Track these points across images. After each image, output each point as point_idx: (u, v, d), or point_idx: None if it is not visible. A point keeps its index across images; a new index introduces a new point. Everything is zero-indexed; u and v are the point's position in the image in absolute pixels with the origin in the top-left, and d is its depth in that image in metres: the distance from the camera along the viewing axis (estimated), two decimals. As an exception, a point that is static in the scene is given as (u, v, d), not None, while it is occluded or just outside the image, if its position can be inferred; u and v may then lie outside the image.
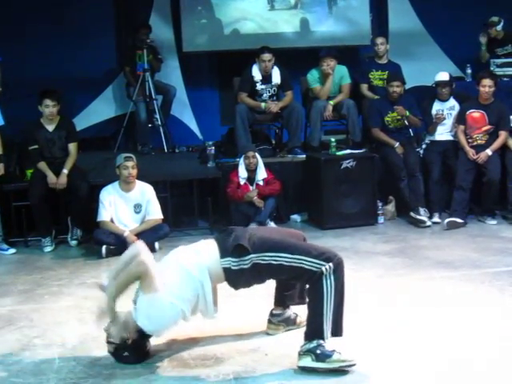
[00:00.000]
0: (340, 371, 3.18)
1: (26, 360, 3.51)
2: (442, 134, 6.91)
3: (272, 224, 6.39)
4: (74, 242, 6.22)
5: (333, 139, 6.76)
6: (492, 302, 4.18)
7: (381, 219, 6.63)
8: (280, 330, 3.73)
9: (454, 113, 6.88)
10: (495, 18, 7.89)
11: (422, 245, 5.79)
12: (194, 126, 8.94)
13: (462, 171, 6.49)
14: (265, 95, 7.34)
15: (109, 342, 3.38)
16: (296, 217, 6.91)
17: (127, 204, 5.80)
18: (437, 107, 6.92)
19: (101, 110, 8.60)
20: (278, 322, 3.74)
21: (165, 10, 8.76)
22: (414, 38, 9.01)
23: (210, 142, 7.24)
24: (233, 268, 3.26)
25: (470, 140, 6.62)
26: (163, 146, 7.84)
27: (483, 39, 7.96)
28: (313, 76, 7.45)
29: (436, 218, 6.54)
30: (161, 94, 8.23)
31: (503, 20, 7.86)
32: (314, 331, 3.23)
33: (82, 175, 6.32)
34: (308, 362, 3.21)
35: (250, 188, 6.39)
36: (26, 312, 4.33)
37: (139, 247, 3.40)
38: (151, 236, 5.66)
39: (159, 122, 7.89)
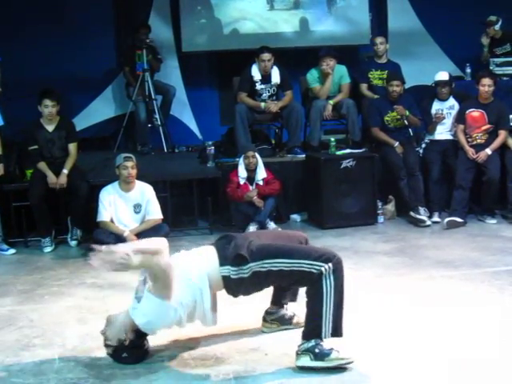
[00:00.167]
0: (338, 369, 3.18)
1: (25, 360, 3.51)
2: (442, 133, 6.91)
3: (272, 224, 6.39)
4: (73, 242, 6.22)
5: (332, 139, 6.76)
6: (492, 301, 4.18)
7: (381, 219, 6.64)
8: (274, 328, 3.75)
9: (454, 112, 6.88)
10: (493, 18, 7.87)
11: (421, 244, 5.80)
12: (193, 125, 8.94)
13: (462, 170, 6.49)
14: (264, 95, 7.34)
15: (106, 345, 3.38)
16: (296, 216, 6.91)
17: (127, 204, 5.80)
18: (436, 107, 6.92)
19: (100, 110, 8.60)
20: (272, 320, 3.76)
21: (164, 9, 8.76)
22: (414, 38, 9.01)
23: (210, 142, 7.25)
24: (232, 277, 3.26)
25: (469, 139, 6.62)
26: (163, 145, 7.84)
27: (485, 40, 7.95)
28: (312, 76, 7.45)
29: (436, 218, 6.55)
30: (160, 93, 8.23)
31: (501, 19, 7.84)
32: (312, 330, 3.24)
33: (82, 175, 6.32)
34: (306, 361, 3.21)
35: (250, 188, 6.39)
36: (26, 312, 4.33)
37: (165, 244, 3.30)
38: (151, 236, 5.60)
39: (159, 122, 7.89)
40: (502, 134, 6.56)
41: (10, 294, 4.79)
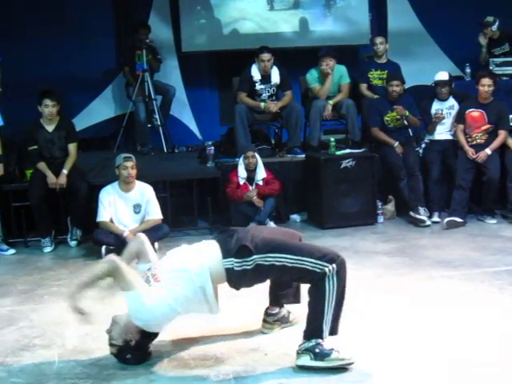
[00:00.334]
0: (338, 369, 3.18)
1: (26, 360, 3.52)
2: (442, 133, 6.91)
3: (272, 224, 6.39)
4: (73, 243, 6.22)
5: (332, 139, 6.76)
6: (492, 301, 4.19)
7: (380, 219, 6.64)
8: (275, 328, 3.75)
9: (454, 112, 6.88)
10: (490, 18, 7.85)
11: (421, 244, 5.80)
12: (193, 125, 8.94)
13: (462, 170, 6.49)
14: (264, 95, 7.34)
15: (111, 345, 3.38)
16: (296, 216, 6.91)
17: (127, 204, 5.79)
18: (436, 107, 6.92)
19: (100, 110, 8.60)
20: (274, 321, 3.76)
21: (164, 10, 8.75)
22: (413, 38, 9.01)
23: (210, 142, 7.25)
24: (236, 269, 3.26)
25: (469, 139, 6.62)
26: (163, 146, 7.83)
27: (483, 41, 7.94)
28: (312, 76, 7.45)
29: (436, 218, 6.55)
30: (160, 94, 8.22)
31: (498, 20, 7.83)
32: (313, 330, 3.25)
33: (82, 175, 6.32)
34: (306, 360, 3.22)
35: (250, 188, 6.39)
36: (26, 312, 4.33)
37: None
38: (151, 236, 5.56)
39: (158, 122, 7.89)
40: (502, 133, 6.56)
41: (10, 294, 4.79)
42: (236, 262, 3.26)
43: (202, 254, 3.34)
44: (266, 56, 7.18)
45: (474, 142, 6.60)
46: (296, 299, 3.77)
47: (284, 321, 3.79)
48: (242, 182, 6.40)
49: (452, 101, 6.95)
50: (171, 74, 8.73)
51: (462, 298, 4.25)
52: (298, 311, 3.67)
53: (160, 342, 3.58)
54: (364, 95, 7.66)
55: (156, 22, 8.62)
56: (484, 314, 3.94)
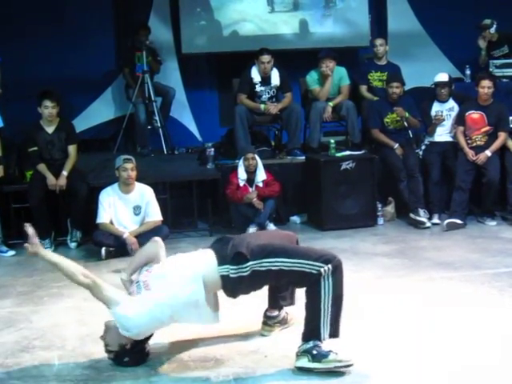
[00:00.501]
0: (337, 372, 3.18)
1: (25, 362, 3.51)
2: (442, 135, 6.91)
3: (272, 225, 6.39)
4: (73, 244, 6.22)
5: (332, 140, 6.76)
6: (492, 302, 4.18)
7: (380, 220, 6.63)
8: (275, 330, 3.75)
9: (454, 114, 6.88)
10: (487, 21, 7.84)
11: (421, 246, 5.80)
12: (193, 127, 8.94)
13: (462, 172, 6.49)
14: (264, 97, 7.34)
15: (108, 351, 3.38)
16: (295, 218, 6.91)
17: (127, 206, 5.79)
18: (436, 108, 6.92)
19: (100, 112, 8.59)
20: (274, 323, 3.76)
21: (164, 11, 8.75)
22: (413, 39, 9.01)
23: (210, 144, 7.24)
24: (231, 276, 3.24)
25: (469, 141, 6.62)
26: (162, 147, 7.83)
27: (483, 44, 7.93)
28: (312, 77, 7.45)
29: (435, 219, 6.55)
30: (160, 95, 8.22)
31: (495, 22, 7.82)
32: (310, 332, 3.24)
33: (82, 177, 6.32)
34: (304, 362, 3.22)
35: (250, 189, 6.39)
36: (26, 314, 4.33)
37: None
38: (151, 238, 5.63)
39: (158, 124, 7.88)
40: (502, 135, 6.56)
41: (10, 295, 4.79)
42: (231, 269, 3.25)
43: (196, 262, 3.33)
44: (265, 58, 7.19)
45: (474, 144, 6.60)
46: (292, 301, 3.78)
47: (283, 323, 3.79)
48: (241, 183, 6.40)
49: (452, 102, 6.96)
50: (171, 75, 8.73)
51: (461, 300, 4.25)
52: (297, 313, 3.66)
53: (160, 344, 3.58)
54: (364, 97, 7.66)
55: (156, 24, 8.62)
56: (484, 315, 3.93)
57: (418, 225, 6.42)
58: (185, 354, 3.52)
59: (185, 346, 3.62)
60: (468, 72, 7.96)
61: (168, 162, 7.46)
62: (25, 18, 8.03)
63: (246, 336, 3.72)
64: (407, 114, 6.83)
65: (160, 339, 3.54)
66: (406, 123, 6.88)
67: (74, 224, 6.24)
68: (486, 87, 6.51)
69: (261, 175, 6.44)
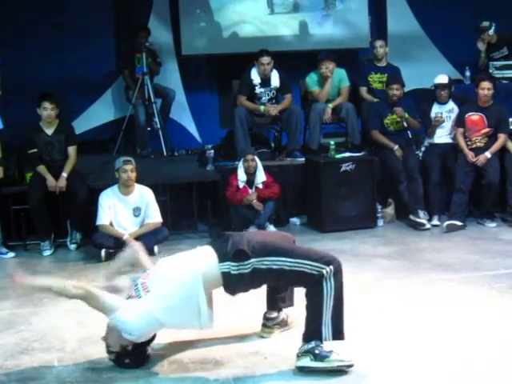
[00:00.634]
0: (338, 371, 3.18)
1: (25, 364, 3.51)
2: (441, 136, 6.91)
3: (271, 227, 6.39)
4: (73, 246, 6.21)
5: (332, 142, 6.76)
6: (491, 304, 4.18)
7: (380, 222, 6.63)
8: (274, 332, 3.75)
9: (453, 115, 6.89)
10: (486, 23, 7.82)
11: (421, 247, 5.79)
12: (193, 129, 8.94)
13: (462, 174, 6.49)
14: (264, 98, 7.34)
15: (109, 352, 3.38)
16: (295, 220, 6.91)
17: (126, 207, 5.80)
18: (436, 110, 6.92)
19: (100, 113, 8.60)
20: (273, 325, 3.76)
21: (164, 13, 8.75)
22: (413, 41, 9.01)
23: (209, 145, 7.24)
24: (232, 272, 3.24)
25: (469, 143, 6.62)
26: (162, 149, 7.82)
27: (481, 46, 7.92)
28: (312, 79, 7.45)
29: (435, 221, 6.54)
30: (160, 97, 8.22)
31: (494, 24, 7.82)
32: (312, 332, 3.24)
33: (81, 178, 6.31)
34: (306, 361, 3.22)
35: (250, 191, 6.39)
36: (26, 315, 4.33)
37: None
38: (150, 239, 5.65)
39: (158, 126, 7.88)
40: (502, 137, 6.57)
41: (10, 297, 4.78)
42: (233, 266, 3.25)
43: (196, 260, 3.33)
44: (265, 59, 7.19)
45: (474, 146, 6.61)
46: (291, 302, 3.78)
47: (283, 324, 3.79)
48: (241, 185, 6.40)
49: (452, 104, 6.96)
50: (171, 77, 8.73)
51: (461, 301, 4.25)
52: (297, 314, 3.66)
53: (160, 346, 3.58)
54: (364, 98, 7.66)
55: (156, 25, 8.62)
56: (484, 316, 3.94)
57: (418, 226, 6.42)
58: (184, 355, 3.52)
59: (184, 347, 3.62)
60: (468, 73, 7.95)
61: (168, 163, 7.46)
62: (25, 20, 8.04)
63: (245, 337, 3.72)
64: (407, 115, 6.83)
65: (160, 341, 3.53)
66: (405, 124, 6.88)
67: (74, 226, 6.24)
68: (485, 89, 6.51)
69: (260, 177, 6.45)
